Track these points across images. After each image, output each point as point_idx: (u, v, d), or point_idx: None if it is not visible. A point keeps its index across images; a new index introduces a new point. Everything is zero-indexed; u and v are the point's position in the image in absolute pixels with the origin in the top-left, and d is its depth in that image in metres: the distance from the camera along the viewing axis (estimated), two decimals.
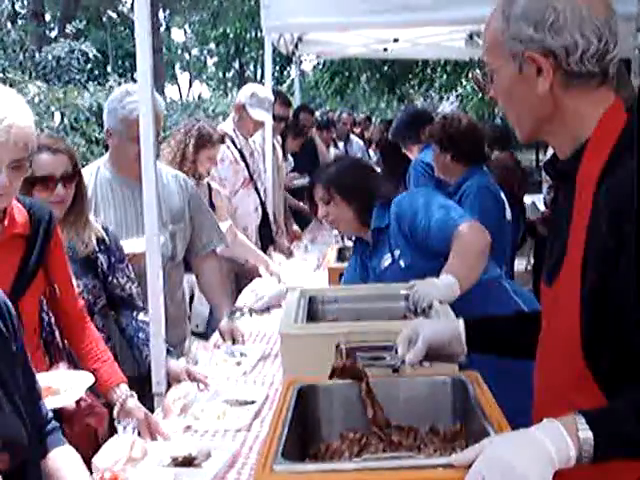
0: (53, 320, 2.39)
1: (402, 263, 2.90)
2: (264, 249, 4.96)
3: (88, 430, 2.24)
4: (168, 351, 2.73)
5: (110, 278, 2.74)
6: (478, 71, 1.59)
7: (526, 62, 1.47)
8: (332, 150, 8.38)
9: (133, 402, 2.33)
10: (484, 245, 2.74)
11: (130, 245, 2.96)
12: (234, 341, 3.15)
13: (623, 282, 1.35)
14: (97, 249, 2.69)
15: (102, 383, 2.34)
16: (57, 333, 2.42)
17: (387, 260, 2.96)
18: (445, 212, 2.81)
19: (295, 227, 6.35)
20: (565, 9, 1.44)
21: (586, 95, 1.47)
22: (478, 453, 1.31)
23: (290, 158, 6.82)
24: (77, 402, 2.20)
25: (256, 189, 5.08)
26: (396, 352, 1.85)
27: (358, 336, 2.11)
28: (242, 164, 4.91)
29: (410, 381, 1.88)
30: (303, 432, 1.75)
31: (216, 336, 3.29)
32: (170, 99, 22.40)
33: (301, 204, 6.91)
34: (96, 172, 3.20)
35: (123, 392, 2.34)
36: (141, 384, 2.65)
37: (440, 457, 1.65)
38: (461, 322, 1.87)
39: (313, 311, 2.64)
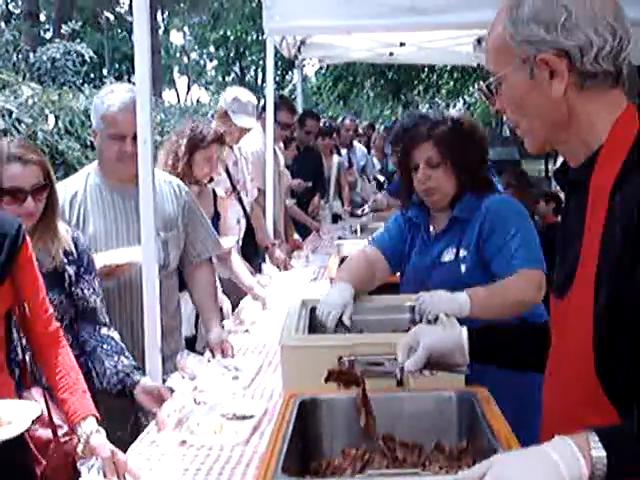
0: (25, 341, 2.28)
1: (462, 267, 2.76)
2: (249, 262, 4.80)
3: (66, 461, 2.16)
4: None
5: (74, 289, 2.62)
6: (482, 82, 1.56)
7: (538, 66, 1.44)
8: (335, 158, 8.39)
9: (99, 438, 2.17)
10: (528, 299, 2.58)
11: (117, 255, 2.92)
12: (223, 354, 3.10)
13: (638, 297, 1.33)
14: (65, 261, 2.58)
15: (69, 416, 2.22)
16: (28, 355, 2.31)
17: (449, 255, 2.80)
18: (526, 247, 2.65)
19: (296, 236, 6.34)
20: (576, 7, 1.42)
21: (599, 98, 1.46)
22: (486, 471, 1.29)
23: (285, 170, 6.77)
24: (53, 431, 2.14)
25: (239, 200, 4.97)
26: (395, 360, 1.84)
27: (362, 348, 2.09)
28: (223, 174, 4.78)
29: (415, 396, 1.87)
30: (304, 447, 1.74)
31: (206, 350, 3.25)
32: (168, 103, 22.45)
33: (305, 216, 6.93)
34: (86, 178, 3.15)
35: (89, 427, 2.20)
36: (106, 401, 2.54)
37: (446, 475, 1.64)
38: (464, 331, 1.85)
39: (314, 322, 2.63)
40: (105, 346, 2.62)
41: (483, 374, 1.88)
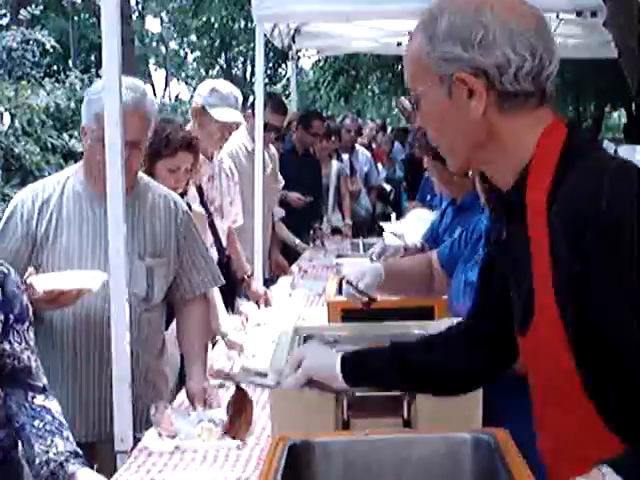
0: None
1: None
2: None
3: None
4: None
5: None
6: (403, 97, 1.68)
7: (456, 85, 1.55)
8: (334, 163, 8.39)
9: None
10: None
11: (63, 278, 2.73)
12: (206, 403, 2.94)
13: (601, 305, 1.44)
14: None
15: None
16: None
17: None
18: None
19: (281, 258, 6.23)
20: (494, 24, 1.52)
21: (523, 117, 1.57)
22: None
23: (280, 177, 6.75)
24: None
25: (211, 224, 4.60)
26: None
27: None
28: (193, 189, 4.41)
29: (424, 438, 1.88)
30: None
31: (184, 398, 3.10)
32: None
33: (291, 236, 6.84)
34: (64, 183, 3.04)
35: None
36: None
37: None
38: (338, 359, 1.97)
39: None
40: (37, 423, 2.31)
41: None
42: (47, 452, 2.27)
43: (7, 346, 2.30)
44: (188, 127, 4.58)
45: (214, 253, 4.57)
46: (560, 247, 1.47)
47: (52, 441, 2.29)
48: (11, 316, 2.31)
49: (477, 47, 1.52)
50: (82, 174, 3.05)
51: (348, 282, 2.97)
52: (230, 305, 4.56)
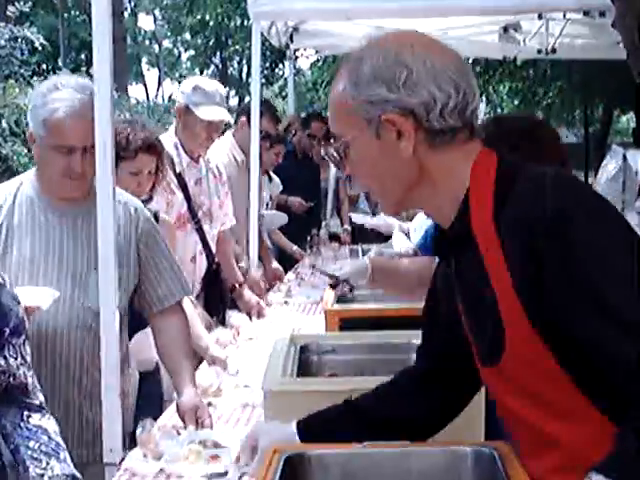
0: None
1: None
2: (211, 311, 4.58)
3: None
4: None
5: None
6: (330, 148, 1.73)
7: (384, 126, 1.63)
8: (332, 168, 8.38)
9: None
10: None
11: (28, 295, 2.57)
12: (198, 423, 2.82)
13: (561, 305, 1.50)
14: None
15: None
16: None
17: None
18: None
19: (275, 265, 6.07)
20: (416, 63, 1.60)
21: (453, 152, 1.64)
22: None
23: (276, 179, 6.77)
24: None
25: (199, 230, 4.54)
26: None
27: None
28: (179, 195, 4.43)
29: (424, 451, 1.88)
30: None
31: (172, 417, 3.00)
32: (135, 100, 22.56)
33: (286, 241, 6.84)
34: (17, 187, 2.93)
35: None
36: None
37: None
38: (293, 426, 1.99)
39: (305, 363, 2.64)
40: (32, 444, 2.24)
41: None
42: (42, 475, 2.21)
43: (2, 361, 2.21)
44: (171, 129, 4.63)
45: (203, 261, 4.63)
46: (515, 259, 1.54)
47: (48, 463, 2.22)
48: (6, 329, 2.22)
49: (402, 87, 1.59)
50: (35, 179, 2.95)
51: (318, 269, 3.06)
52: (220, 316, 4.54)
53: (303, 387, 2.32)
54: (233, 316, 4.37)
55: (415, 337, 2.70)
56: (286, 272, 6.20)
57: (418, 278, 3.27)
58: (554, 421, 1.62)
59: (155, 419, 2.93)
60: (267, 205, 6.50)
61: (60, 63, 21.92)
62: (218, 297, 4.78)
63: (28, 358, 2.30)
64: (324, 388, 2.25)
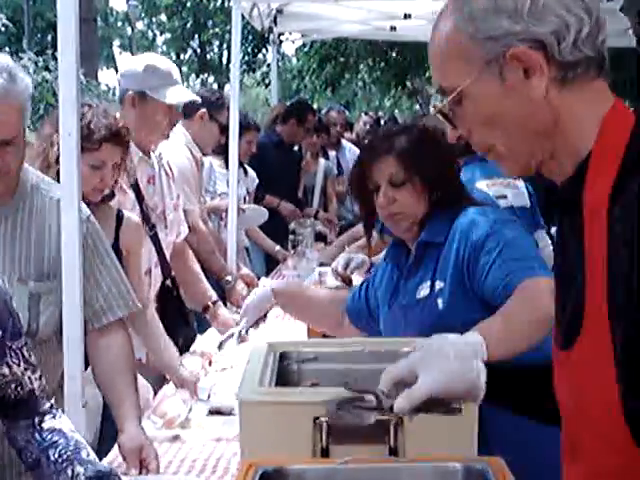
0: None
1: (439, 302, 2.82)
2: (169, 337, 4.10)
3: None
4: None
5: None
6: (439, 103, 1.60)
7: (508, 65, 1.49)
8: (321, 162, 8.40)
9: None
10: (548, 311, 2.60)
11: None
12: (142, 467, 2.67)
13: None
14: None
15: None
16: None
17: (424, 290, 2.88)
18: (519, 255, 2.72)
19: (245, 270, 5.78)
20: None
21: (583, 93, 1.51)
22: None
23: (252, 173, 6.73)
24: None
25: (154, 237, 4.19)
26: (383, 396, 1.79)
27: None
28: (131, 194, 4.05)
29: (412, 467, 1.89)
30: None
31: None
32: (105, 87, 22.48)
33: (267, 240, 6.83)
34: None
35: None
36: None
37: None
38: (481, 366, 1.80)
39: (285, 372, 2.64)
40: (52, 453, 2.21)
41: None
42: None
43: (6, 370, 2.17)
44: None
45: (158, 274, 4.27)
46: (619, 257, 1.41)
47: (73, 471, 2.20)
48: (5, 335, 2.18)
49: (527, 15, 1.47)
50: None
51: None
52: (181, 342, 4.15)
53: (281, 397, 2.32)
54: (202, 342, 4.20)
55: (404, 344, 2.72)
56: (270, 272, 6.21)
57: (330, 304, 3.33)
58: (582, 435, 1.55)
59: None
60: (245, 201, 6.47)
61: (24, 45, 21.83)
62: (177, 318, 4.36)
63: (32, 359, 2.27)
64: (304, 399, 2.25)
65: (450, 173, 2.98)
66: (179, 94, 4.18)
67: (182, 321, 4.40)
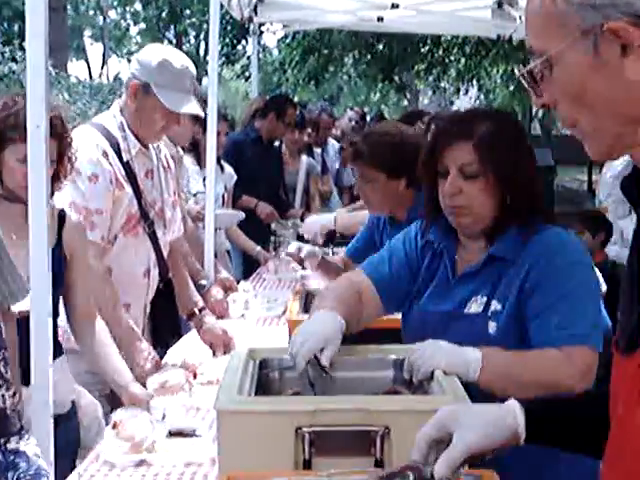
0: None
1: (492, 326, 2.67)
2: (159, 342, 4.24)
3: None
4: None
5: None
6: (522, 66, 1.54)
7: (605, 38, 1.42)
8: (303, 159, 8.36)
9: None
10: (565, 385, 2.47)
11: None
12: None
13: None
14: None
15: None
16: None
17: (476, 305, 2.73)
18: (577, 315, 2.57)
19: (225, 274, 5.72)
20: None
21: None
22: None
23: (229, 169, 6.67)
24: None
25: (152, 235, 4.15)
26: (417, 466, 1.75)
27: (328, 417, 2.12)
28: (128, 189, 4.02)
29: None
30: None
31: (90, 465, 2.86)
32: (75, 79, 22.44)
33: (248, 241, 6.77)
34: None
35: None
36: None
37: None
38: (518, 412, 1.79)
39: (265, 380, 2.63)
40: (10, 475, 2.24)
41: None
42: None
43: None
44: (115, 106, 4.19)
45: (156, 275, 4.24)
46: None
47: None
48: None
49: None
50: None
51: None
52: (164, 350, 4.20)
53: (261, 407, 2.31)
54: (187, 351, 4.11)
55: (393, 352, 2.72)
56: (250, 274, 6.21)
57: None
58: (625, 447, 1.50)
59: (71, 470, 2.85)
60: (223, 199, 6.45)
61: None
62: (170, 324, 4.41)
63: (8, 375, 2.25)
64: (285, 408, 2.24)
65: (530, 176, 2.75)
66: (185, 104, 4.06)
67: (174, 330, 4.41)
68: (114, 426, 3.01)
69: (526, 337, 2.62)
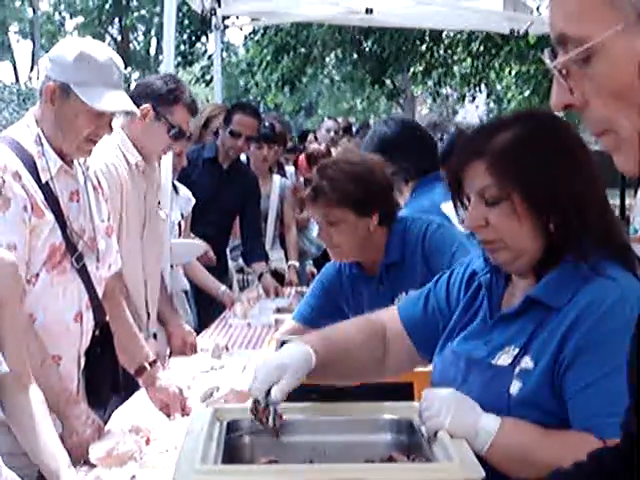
0: None
1: (516, 387, 2.57)
2: (94, 403, 4.04)
3: None
4: None
5: None
6: (548, 55, 1.49)
7: None
8: (275, 180, 8.32)
9: None
10: None
11: None
12: None
13: None
14: None
15: None
16: None
17: (504, 357, 2.62)
18: (616, 397, 2.24)
19: (187, 328, 5.61)
20: None
21: None
22: None
23: (185, 191, 6.57)
24: None
25: (82, 271, 4.00)
26: None
27: None
28: (49, 216, 3.85)
29: None
30: None
31: None
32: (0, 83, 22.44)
33: (211, 279, 6.72)
34: None
35: None
36: None
37: None
38: None
39: (234, 446, 2.65)
40: None
41: None
42: None
43: None
44: (29, 115, 4.03)
45: (90, 320, 4.08)
46: None
47: None
48: None
49: None
50: None
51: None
52: (108, 412, 4.15)
53: (231, 478, 2.34)
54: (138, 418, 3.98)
55: (385, 411, 2.74)
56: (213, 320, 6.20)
57: (367, 351, 3.02)
58: None
59: None
60: (179, 228, 6.39)
61: None
62: (109, 379, 4.26)
63: None
64: (259, 479, 2.27)
65: (578, 192, 2.57)
66: (114, 101, 3.93)
67: (114, 387, 4.26)
68: None
69: (560, 393, 2.52)
